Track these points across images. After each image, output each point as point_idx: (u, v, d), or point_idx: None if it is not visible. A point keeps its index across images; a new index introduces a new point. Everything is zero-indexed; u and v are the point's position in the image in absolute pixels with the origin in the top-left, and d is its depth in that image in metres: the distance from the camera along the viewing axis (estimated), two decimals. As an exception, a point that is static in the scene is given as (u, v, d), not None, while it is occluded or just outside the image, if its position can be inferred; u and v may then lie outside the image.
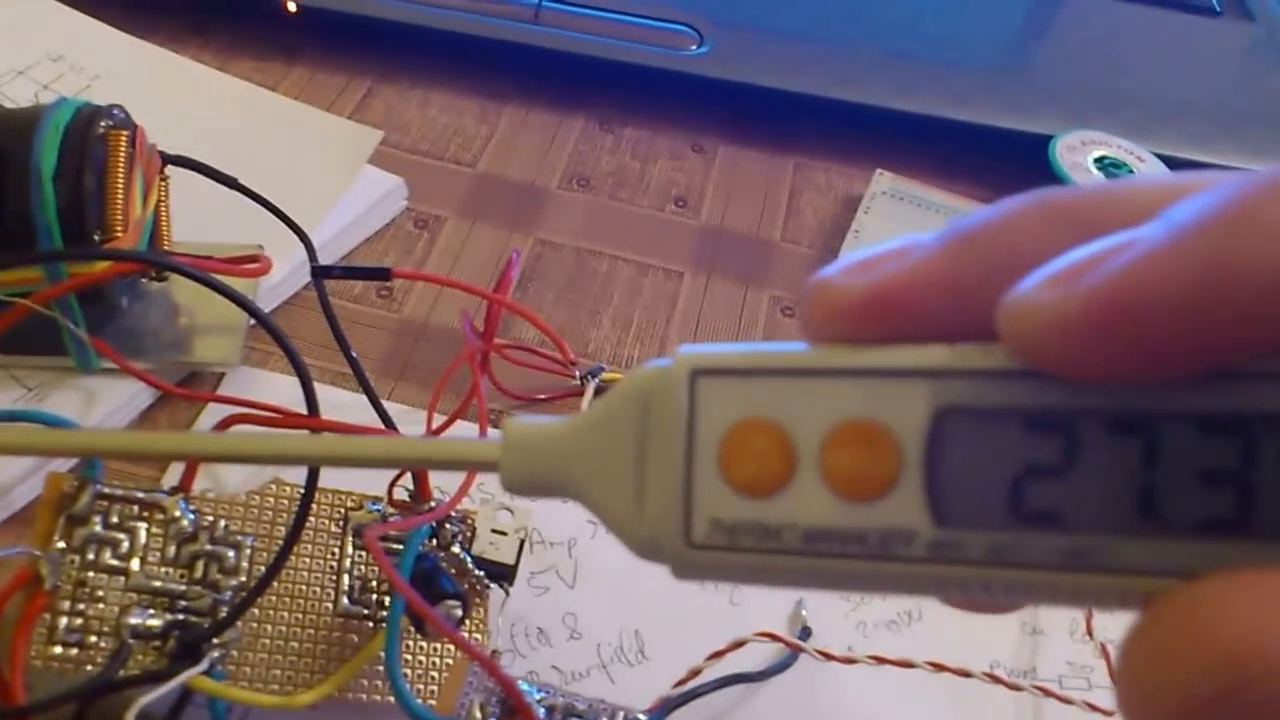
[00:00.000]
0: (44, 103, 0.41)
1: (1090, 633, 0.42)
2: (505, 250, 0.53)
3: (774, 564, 0.19)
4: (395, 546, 0.36)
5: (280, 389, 0.44)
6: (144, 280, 0.44)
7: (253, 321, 0.45)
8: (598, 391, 0.46)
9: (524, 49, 0.61)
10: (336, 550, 0.36)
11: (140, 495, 0.35)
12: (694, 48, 0.61)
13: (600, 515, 0.20)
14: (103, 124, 0.40)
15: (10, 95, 0.55)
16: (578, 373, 0.47)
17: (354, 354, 0.41)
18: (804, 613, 0.41)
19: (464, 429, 0.43)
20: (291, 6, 0.60)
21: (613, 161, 0.59)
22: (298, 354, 0.37)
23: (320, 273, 0.42)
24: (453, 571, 0.36)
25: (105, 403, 0.43)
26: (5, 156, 0.39)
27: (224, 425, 0.36)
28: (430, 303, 0.50)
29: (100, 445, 0.26)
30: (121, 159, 0.40)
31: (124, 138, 0.40)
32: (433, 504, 0.35)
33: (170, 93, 0.56)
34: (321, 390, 0.41)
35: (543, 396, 0.46)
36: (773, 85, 0.61)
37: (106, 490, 0.34)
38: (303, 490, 0.35)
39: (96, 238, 0.40)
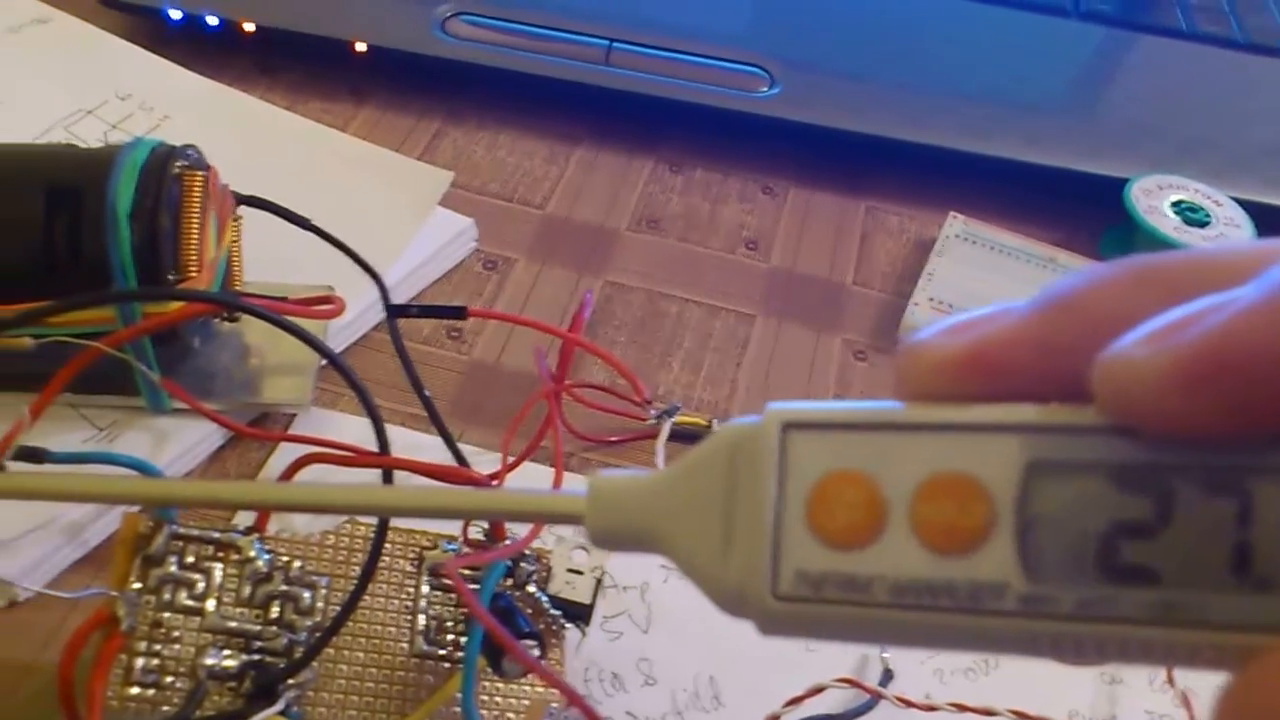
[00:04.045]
0: (114, 142, 0.41)
1: (1171, 681, 0.41)
2: (575, 292, 0.53)
3: (862, 617, 0.18)
4: (472, 587, 0.36)
5: (351, 430, 0.44)
6: (215, 321, 0.44)
7: (324, 362, 0.45)
8: (676, 435, 0.45)
9: (593, 90, 0.61)
10: (411, 590, 0.36)
11: (215, 535, 0.34)
12: (765, 89, 0.61)
13: (686, 569, 0.20)
14: (178, 164, 0.40)
15: (79, 135, 0.55)
16: (653, 413, 0.46)
17: (427, 394, 0.41)
18: (884, 655, 0.40)
19: (536, 470, 0.43)
20: (361, 47, 0.61)
21: (682, 203, 0.59)
22: (369, 394, 0.36)
23: (397, 312, 0.42)
24: (528, 611, 0.35)
25: (176, 444, 0.43)
26: (81, 196, 0.39)
27: (299, 465, 0.35)
28: (500, 344, 0.49)
29: (192, 496, 0.26)
30: (197, 199, 0.40)
31: (200, 178, 0.40)
32: (508, 543, 0.35)
33: (240, 133, 0.56)
34: (393, 431, 0.41)
35: (612, 438, 0.46)
36: (843, 127, 0.60)
37: (182, 530, 0.34)
38: (376, 530, 0.35)
39: (171, 278, 0.40)
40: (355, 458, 0.35)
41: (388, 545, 0.35)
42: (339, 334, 0.47)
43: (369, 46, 0.61)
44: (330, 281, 0.46)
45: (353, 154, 0.56)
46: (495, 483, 0.37)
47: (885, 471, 0.18)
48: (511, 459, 0.42)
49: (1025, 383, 0.18)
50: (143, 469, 0.35)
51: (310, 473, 0.36)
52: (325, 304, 0.41)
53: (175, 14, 0.61)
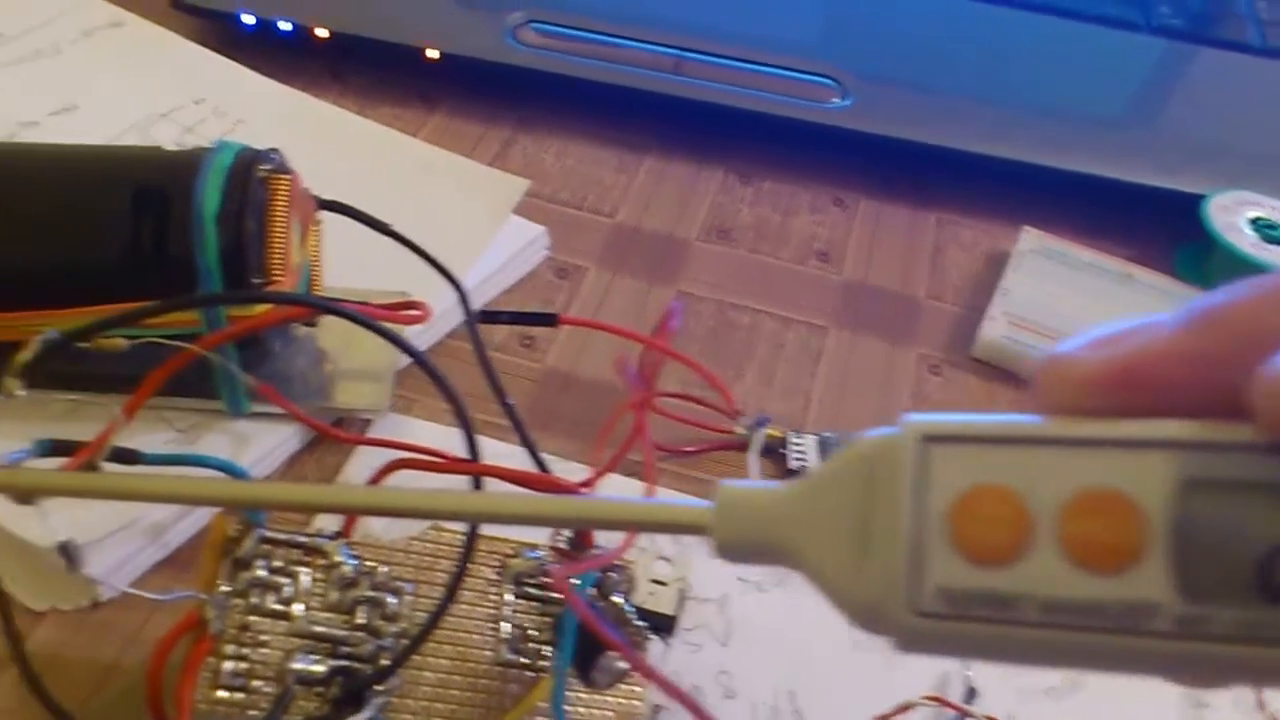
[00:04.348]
0: (188, 146, 0.41)
1: (1261, 704, 0.40)
2: (646, 301, 0.53)
3: (1007, 636, 0.18)
4: (555, 596, 0.36)
5: (427, 436, 0.44)
6: (293, 325, 0.44)
7: (400, 368, 0.45)
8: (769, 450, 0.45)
9: (663, 99, 0.61)
10: (494, 598, 0.36)
11: (303, 539, 0.34)
12: (836, 100, 0.61)
13: (818, 582, 0.20)
14: (263, 167, 0.40)
15: (155, 138, 0.55)
16: (742, 424, 0.46)
17: (510, 401, 0.40)
18: (968, 674, 0.40)
19: (618, 481, 0.43)
20: (433, 54, 0.61)
21: (752, 214, 0.59)
22: (463, 402, 0.36)
23: (486, 318, 0.42)
24: (615, 622, 0.35)
25: (256, 447, 0.43)
26: (168, 198, 0.39)
27: (388, 470, 0.35)
28: (573, 353, 0.49)
29: (295, 500, 0.26)
30: (283, 203, 0.40)
31: (286, 181, 0.40)
32: (596, 551, 0.35)
33: (314, 138, 0.56)
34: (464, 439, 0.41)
35: (691, 449, 0.46)
36: (915, 139, 0.60)
37: (270, 534, 0.34)
38: (462, 536, 0.35)
39: (255, 281, 0.40)
40: (446, 464, 0.35)
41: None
42: (412, 340, 0.47)
43: (441, 54, 0.61)
44: (403, 287, 0.46)
45: (427, 160, 0.56)
46: (586, 492, 0.36)
47: (1031, 487, 0.18)
48: (583, 467, 0.42)
49: (1175, 398, 0.18)
50: (232, 472, 0.35)
51: (397, 478, 0.36)
52: (411, 309, 0.41)
53: (248, 19, 0.62)
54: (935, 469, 0.19)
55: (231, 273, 0.39)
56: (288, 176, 0.40)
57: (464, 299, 0.44)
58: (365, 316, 0.38)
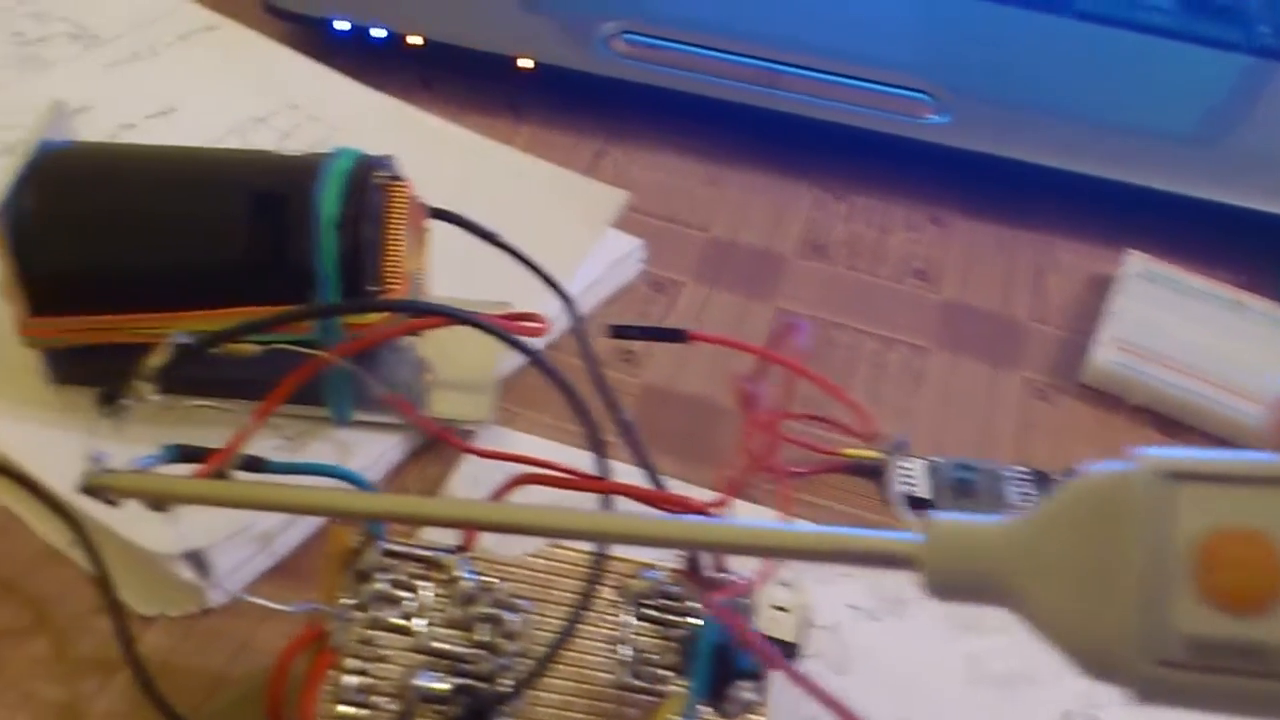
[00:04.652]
0: (287, 150, 0.41)
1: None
2: (744, 317, 0.52)
3: (1261, 690, 0.17)
4: (674, 619, 0.35)
5: (533, 450, 0.43)
6: (399, 334, 0.43)
7: (502, 378, 0.45)
8: (851, 469, 0.44)
9: (756, 112, 0.60)
10: (613, 619, 0.35)
11: (424, 553, 0.34)
12: (933, 116, 0.60)
13: (1043, 627, 0.19)
14: (380, 174, 0.40)
15: (253, 143, 0.55)
16: (882, 446, 0.45)
17: (627, 417, 0.40)
18: (1095, 713, 0.39)
19: (740, 506, 0.42)
20: (525, 63, 0.60)
21: (847, 230, 0.58)
22: (589, 412, 0.36)
23: (618, 333, 0.41)
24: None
25: (361, 456, 0.42)
26: (286, 203, 0.39)
27: (513, 485, 0.35)
28: (672, 368, 0.49)
29: (437, 514, 0.25)
30: (401, 210, 0.39)
31: (403, 188, 0.40)
32: (725, 575, 0.34)
33: (412, 145, 0.55)
34: (573, 455, 0.40)
35: (800, 470, 0.45)
36: (1013, 157, 0.59)
37: (390, 546, 0.33)
38: (582, 554, 0.34)
39: (371, 289, 0.39)
40: (579, 480, 0.35)
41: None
42: (509, 353, 0.47)
43: (535, 63, 0.61)
44: (502, 297, 0.45)
45: (523, 169, 0.56)
46: (714, 513, 0.36)
47: None
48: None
49: None
50: (356, 483, 0.34)
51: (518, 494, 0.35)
52: (529, 321, 0.40)
53: (342, 25, 0.61)
54: (1177, 508, 0.18)
55: (348, 280, 0.39)
56: (404, 184, 0.40)
57: (572, 310, 0.43)
58: (503, 330, 0.37)
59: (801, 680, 0.26)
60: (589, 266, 0.51)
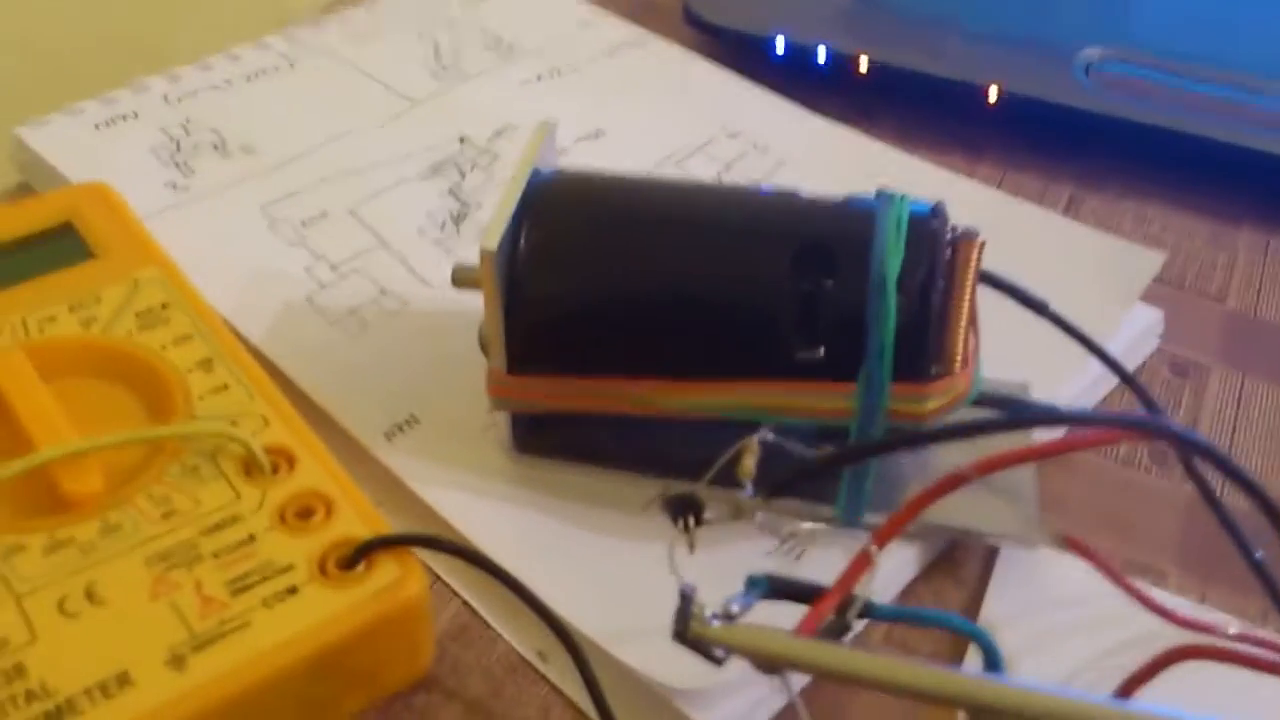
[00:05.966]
0: (732, 183, 0.33)
1: None
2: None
3: None
4: None
5: (1084, 584, 0.34)
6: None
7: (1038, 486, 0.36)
8: None
9: (1263, 157, 0.50)
10: None
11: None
12: None
13: None
14: (946, 229, 0.32)
15: (692, 172, 0.48)
16: None
17: (1259, 556, 0.30)
18: None
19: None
20: (992, 94, 0.52)
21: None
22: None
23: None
24: None
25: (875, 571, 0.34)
26: (833, 256, 0.31)
27: (1173, 659, 0.26)
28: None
29: None
30: (973, 272, 0.31)
31: (978, 248, 0.31)
32: None
33: (873, 185, 0.48)
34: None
35: None
36: None
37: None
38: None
39: (934, 370, 0.31)
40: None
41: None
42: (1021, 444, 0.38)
43: (1001, 92, 0.52)
44: (1008, 373, 0.37)
45: (1038, 221, 0.47)
46: None
47: None
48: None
49: None
50: (984, 646, 0.26)
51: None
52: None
53: (780, 45, 0.54)
54: None
55: (906, 354, 0.31)
56: (975, 241, 0.32)
57: (1143, 395, 0.34)
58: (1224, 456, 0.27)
59: None
60: (1114, 342, 0.41)
